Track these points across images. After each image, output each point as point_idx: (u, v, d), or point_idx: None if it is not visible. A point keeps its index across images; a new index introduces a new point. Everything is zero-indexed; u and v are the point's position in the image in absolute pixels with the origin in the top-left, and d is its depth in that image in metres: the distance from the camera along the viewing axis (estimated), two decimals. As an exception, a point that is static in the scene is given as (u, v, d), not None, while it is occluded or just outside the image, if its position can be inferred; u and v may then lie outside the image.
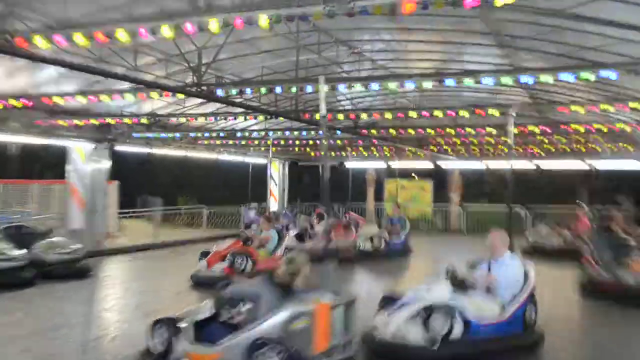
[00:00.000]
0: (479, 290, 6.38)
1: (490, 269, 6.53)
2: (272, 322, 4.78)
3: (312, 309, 4.75)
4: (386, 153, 23.46)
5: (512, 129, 7.62)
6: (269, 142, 20.12)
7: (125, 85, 11.16)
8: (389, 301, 6.39)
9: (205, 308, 5.49)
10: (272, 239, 11.15)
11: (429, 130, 16.87)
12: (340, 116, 14.31)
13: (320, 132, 6.43)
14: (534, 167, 24.90)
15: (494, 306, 6.25)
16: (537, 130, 16.09)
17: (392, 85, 10.02)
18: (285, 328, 4.71)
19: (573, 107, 11.56)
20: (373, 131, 17.94)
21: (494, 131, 16.34)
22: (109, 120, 14.67)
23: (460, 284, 6.25)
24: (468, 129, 16.30)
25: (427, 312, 5.81)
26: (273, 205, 25.57)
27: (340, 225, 15.07)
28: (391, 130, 17.78)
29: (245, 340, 4.81)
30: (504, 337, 6.16)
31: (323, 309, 4.73)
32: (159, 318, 5.78)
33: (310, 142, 20.83)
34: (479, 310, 6.07)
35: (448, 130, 16.67)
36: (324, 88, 6.27)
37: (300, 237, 14.72)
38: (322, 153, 6.26)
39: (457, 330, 5.78)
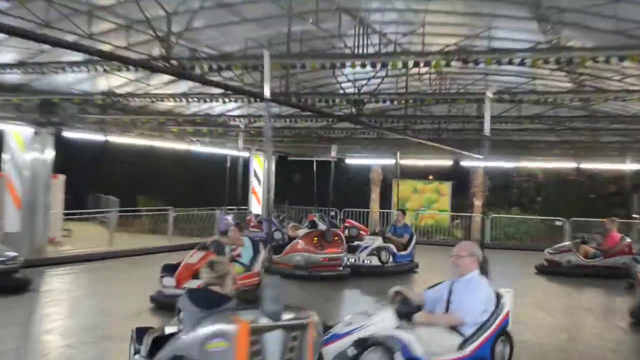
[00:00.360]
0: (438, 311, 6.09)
1: (452, 291, 6.19)
2: (186, 340, 4.79)
3: (234, 329, 4.62)
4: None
5: (489, 116, 7.31)
6: (252, 132, 20.12)
7: (77, 56, 11.11)
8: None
9: (174, 323, 5.62)
10: (244, 248, 11.14)
11: (448, 120, 16.91)
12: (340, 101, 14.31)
13: (267, 119, 6.29)
14: (575, 169, 25.04)
15: (451, 339, 5.96)
16: (580, 124, 16.14)
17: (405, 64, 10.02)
18: (201, 348, 4.65)
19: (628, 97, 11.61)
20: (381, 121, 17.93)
21: (527, 123, 16.38)
22: (54, 99, 14.61)
23: (411, 314, 5.94)
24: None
25: (362, 347, 5.48)
26: (256, 208, 25.58)
27: (313, 234, 14.86)
28: (402, 120, 17.79)
29: (166, 357, 4.96)
30: None
31: (243, 329, 4.58)
32: (137, 327, 5.89)
33: (303, 132, 20.80)
34: (430, 344, 5.75)
35: (472, 120, 16.69)
36: (268, 65, 6.31)
37: (277, 249, 14.75)
38: (266, 145, 6.25)
39: None
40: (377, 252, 14.95)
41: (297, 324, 4.83)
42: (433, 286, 6.59)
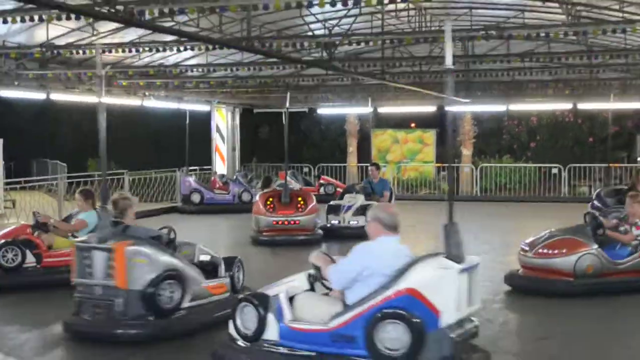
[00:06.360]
0: None
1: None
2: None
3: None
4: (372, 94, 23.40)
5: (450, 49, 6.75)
6: (211, 82, 19.90)
7: (8, 4, 10.87)
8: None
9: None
10: (87, 226, 10.05)
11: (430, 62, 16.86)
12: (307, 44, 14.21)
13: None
14: (571, 110, 25.21)
15: (329, 309, 5.58)
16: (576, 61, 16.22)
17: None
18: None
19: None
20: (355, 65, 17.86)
21: (517, 61, 16.43)
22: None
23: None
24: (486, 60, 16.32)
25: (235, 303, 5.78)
26: (220, 167, 25.51)
27: (267, 195, 14.66)
28: (379, 64, 17.73)
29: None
30: None
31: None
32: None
33: (269, 81, 20.69)
34: (305, 310, 5.62)
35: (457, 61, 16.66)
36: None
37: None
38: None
39: None
40: (362, 211, 14.75)
41: (107, 248, 7.36)
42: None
